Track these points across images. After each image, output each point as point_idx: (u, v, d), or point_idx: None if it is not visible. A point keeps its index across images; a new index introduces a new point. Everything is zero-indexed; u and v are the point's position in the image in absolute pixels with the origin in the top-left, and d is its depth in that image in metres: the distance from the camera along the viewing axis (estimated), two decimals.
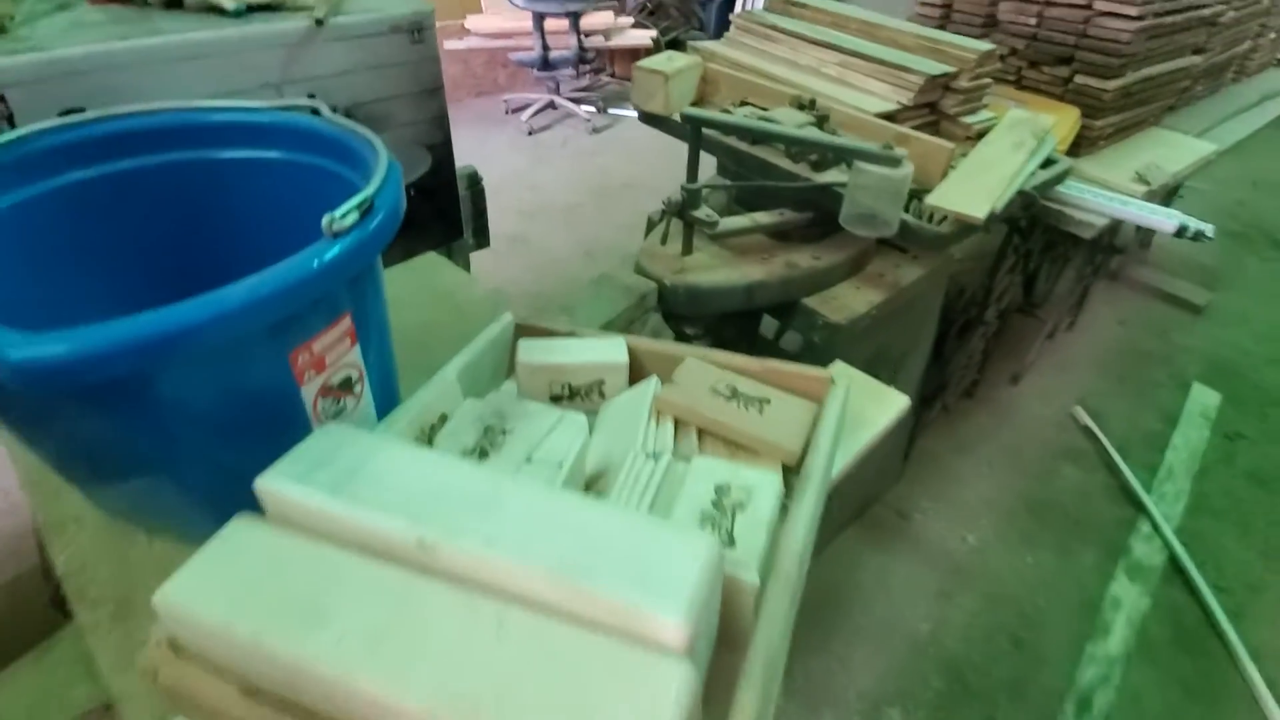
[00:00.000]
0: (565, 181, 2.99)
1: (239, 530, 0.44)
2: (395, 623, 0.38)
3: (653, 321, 1.01)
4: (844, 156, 0.97)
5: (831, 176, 1.04)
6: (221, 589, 0.40)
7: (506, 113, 3.60)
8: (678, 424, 0.62)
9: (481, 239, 1.43)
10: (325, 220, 0.44)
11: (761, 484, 0.53)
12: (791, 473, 0.60)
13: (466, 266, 1.37)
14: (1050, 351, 2.12)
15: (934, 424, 1.81)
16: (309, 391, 0.50)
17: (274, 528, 0.44)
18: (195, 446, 0.49)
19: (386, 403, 0.62)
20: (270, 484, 0.44)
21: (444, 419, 0.64)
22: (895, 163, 0.87)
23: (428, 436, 0.62)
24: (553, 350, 0.67)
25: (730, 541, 0.49)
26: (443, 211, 1.01)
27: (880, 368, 1.22)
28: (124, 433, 0.46)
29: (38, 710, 0.52)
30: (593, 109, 3.56)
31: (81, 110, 0.61)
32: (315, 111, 0.62)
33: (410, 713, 0.34)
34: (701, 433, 0.62)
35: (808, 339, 1.08)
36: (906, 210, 0.96)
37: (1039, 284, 1.92)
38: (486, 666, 0.35)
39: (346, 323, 0.51)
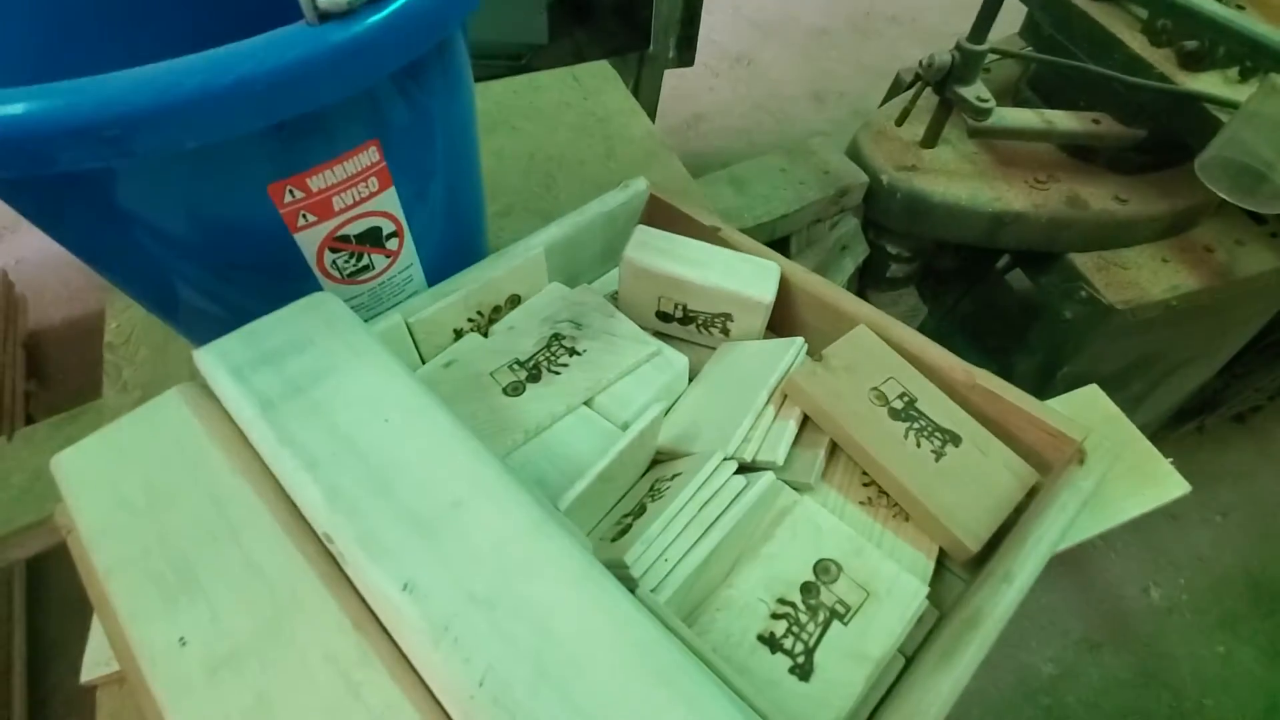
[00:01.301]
0: None
1: (167, 409, 0.33)
2: (256, 656, 0.26)
3: (845, 228, 0.75)
4: (1254, 57, 0.59)
5: (1209, 85, 0.66)
6: (111, 483, 0.30)
7: None
8: (807, 422, 0.42)
9: (685, 54, 1.17)
10: None
11: (893, 588, 0.34)
12: (950, 564, 0.39)
13: (657, 85, 1.14)
14: None
15: (1176, 441, 1.39)
16: (307, 241, 0.36)
17: (204, 419, 0.32)
18: (183, 273, 0.38)
19: (458, 259, 0.47)
20: (206, 363, 0.32)
21: (514, 302, 0.49)
22: None
23: (484, 323, 0.48)
24: (676, 253, 0.47)
25: (804, 670, 0.31)
26: (629, 9, 0.77)
27: (1139, 375, 0.88)
28: (91, 239, 0.35)
29: (45, 473, 0.49)
30: None
31: None
32: None
33: None
34: (836, 448, 0.42)
35: (1056, 310, 0.77)
36: None
37: None
38: None
39: (370, 155, 0.35)
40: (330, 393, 0.31)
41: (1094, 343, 0.75)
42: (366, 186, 0.36)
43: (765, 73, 2.13)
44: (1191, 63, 0.68)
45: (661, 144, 0.71)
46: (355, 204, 0.36)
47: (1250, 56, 0.62)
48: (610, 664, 0.24)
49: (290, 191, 0.33)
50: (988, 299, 0.98)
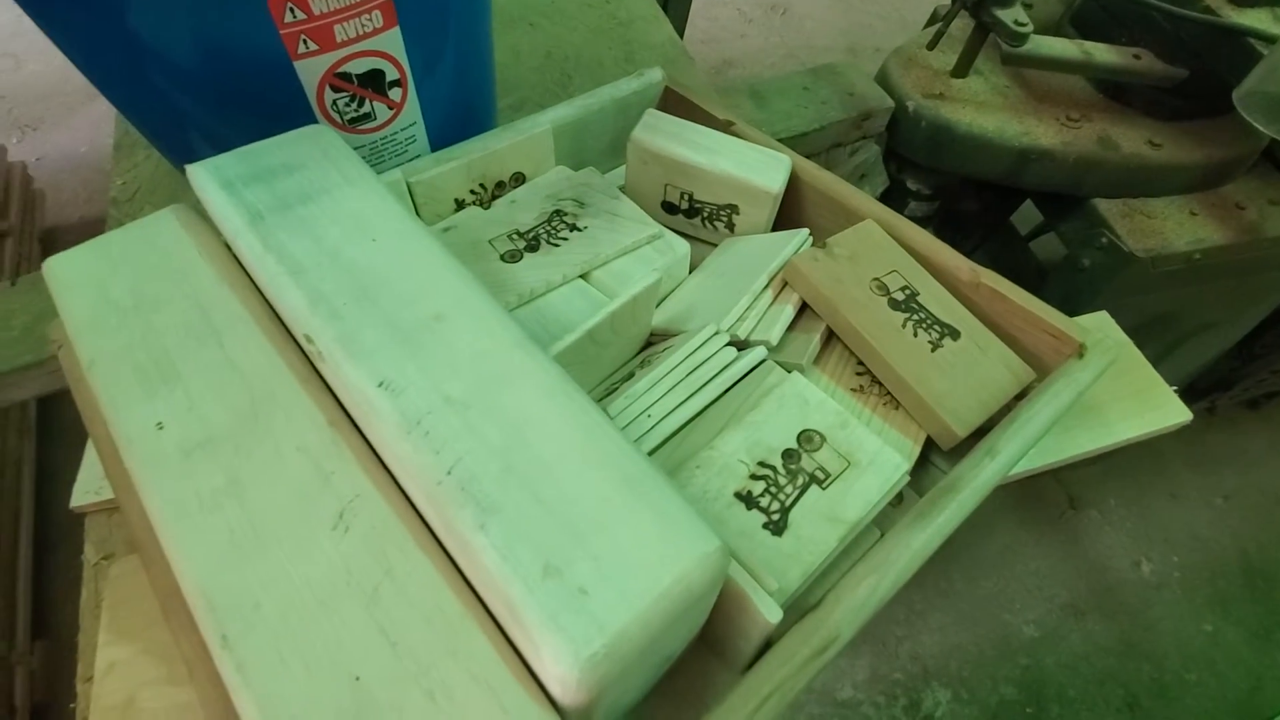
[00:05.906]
0: None
1: (161, 223, 0.33)
2: (230, 443, 0.26)
3: (866, 155, 0.73)
4: None
5: (1258, 20, 0.63)
6: (100, 286, 0.30)
7: None
8: (805, 310, 0.41)
9: None
10: None
11: (875, 460, 0.33)
12: (934, 458, 0.38)
13: (686, 7, 1.11)
14: None
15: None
16: (308, 71, 0.35)
17: (194, 234, 0.32)
18: (184, 105, 0.37)
19: (465, 132, 0.46)
20: (198, 176, 0.32)
21: (518, 180, 0.48)
22: None
23: (486, 197, 0.47)
24: (686, 138, 0.46)
25: (778, 527, 0.31)
26: None
27: (1154, 336, 0.86)
28: (90, 48, 0.35)
29: (46, 316, 0.50)
30: None
31: None
32: None
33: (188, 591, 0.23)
34: (831, 338, 0.41)
35: (1075, 258, 0.75)
36: None
37: None
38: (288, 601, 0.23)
39: None
40: (319, 211, 0.31)
41: (1110, 293, 0.74)
42: (370, 20, 0.35)
43: (800, 23, 2.07)
44: None
45: (683, 51, 0.70)
46: (358, 38, 0.35)
47: None
48: (578, 469, 0.24)
49: (291, 10, 0.32)
50: (1006, 260, 0.96)
